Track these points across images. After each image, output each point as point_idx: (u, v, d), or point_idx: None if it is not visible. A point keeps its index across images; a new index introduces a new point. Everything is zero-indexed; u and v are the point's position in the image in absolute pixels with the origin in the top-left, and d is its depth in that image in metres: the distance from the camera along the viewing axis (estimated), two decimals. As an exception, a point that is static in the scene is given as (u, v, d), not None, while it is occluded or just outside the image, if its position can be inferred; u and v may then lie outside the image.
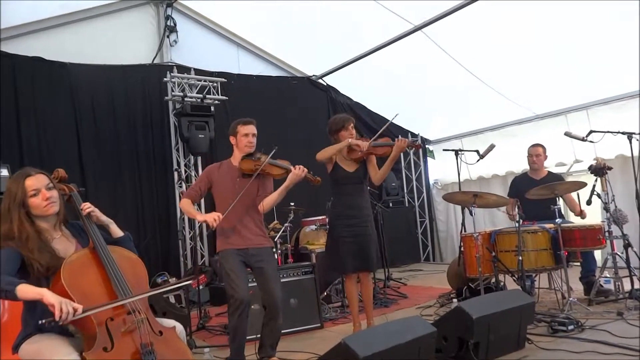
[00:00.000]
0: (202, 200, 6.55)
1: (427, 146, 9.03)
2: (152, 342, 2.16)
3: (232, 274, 3.33)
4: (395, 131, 8.61)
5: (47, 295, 2.01)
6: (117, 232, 2.56)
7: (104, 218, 2.52)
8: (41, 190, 2.31)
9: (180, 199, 6.52)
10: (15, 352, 2.26)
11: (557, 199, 4.33)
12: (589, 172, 4.56)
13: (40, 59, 5.96)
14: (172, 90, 6.64)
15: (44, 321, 1.99)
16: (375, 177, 4.03)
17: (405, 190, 8.97)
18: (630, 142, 4.38)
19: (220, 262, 3.51)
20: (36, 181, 2.32)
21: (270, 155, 3.44)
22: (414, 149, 3.75)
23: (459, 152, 5.22)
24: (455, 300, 4.69)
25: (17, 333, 2.32)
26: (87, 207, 2.46)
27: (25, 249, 2.20)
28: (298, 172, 3.38)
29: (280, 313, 3.44)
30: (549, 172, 5.20)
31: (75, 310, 2.01)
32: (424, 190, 9.04)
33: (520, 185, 5.07)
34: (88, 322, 2.12)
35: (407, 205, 8.94)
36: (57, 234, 2.39)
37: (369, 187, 4.24)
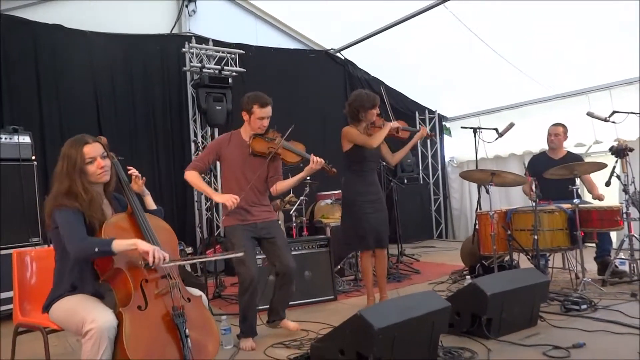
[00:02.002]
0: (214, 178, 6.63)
1: (443, 123, 8.96)
2: (182, 306, 2.26)
3: (242, 250, 3.27)
4: (412, 107, 8.58)
5: (140, 243, 2.22)
6: (151, 204, 2.66)
7: (144, 188, 2.64)
8: (97, 158, 2.40)
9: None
10: (46, 311, 2.36)
11: (576, 179, 4.29)
12: (609, 153, 4.52)
13: (60, 26, 5.97)
14: (190, 61, 6.63)
15: (143, 262, 2.21)
16: (392, 159, 4.21)
17: (420, 167, 8.95)
18: (653, 124, 4.30)
19: (228, 237, 3.48)
20: (93, 149, 2.40)
21: (284, 138, 3.41)
22: (429, 138, 3.98)
23: (478, 130, 5.18)
24: (468, 277, 4.73)
25: (44, 296, 2.41)
26: (133, 171, 2.59)
27: (89, 210, 2.31)
28: (315, 166, 3.34)
29: (294, 280, 3.51)
30: (568, 152, 5.16)
31: (164, 257, 2.22)
32: (439, 168, 9.01)
33: (538, 164, 5.04)
34: (125, 281, 2.23)
35: (421, 182, 8.93)
36: (104, 200, 2.50)
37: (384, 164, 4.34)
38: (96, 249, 2.19)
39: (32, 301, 2.61)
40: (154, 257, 2.17)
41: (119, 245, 2.20)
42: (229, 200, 3.25)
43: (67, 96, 6.00)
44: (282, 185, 3.54)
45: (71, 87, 6.04)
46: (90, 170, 2.38)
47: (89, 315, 2.11)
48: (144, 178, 2.64)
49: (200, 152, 6.56)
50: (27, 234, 4.57)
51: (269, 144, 3.41)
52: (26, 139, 4.71)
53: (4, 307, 4.27)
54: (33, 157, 4.72)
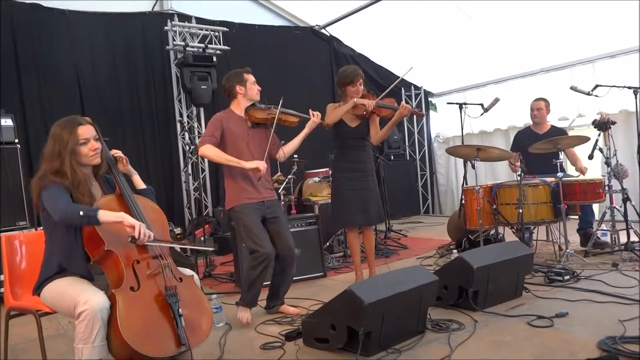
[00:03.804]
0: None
1: (429, 99, 8.99)
2: (175, 286, 2.28)
3: (255, 228, 3.32)
4: (399, 83, 8.56)
5: (126, 217, 2.23)
6: (140, 183, 2.66)
7: (130, 167, 2.62)
8: (90, 140, 2.39)
9: (184, 150, 6.58)
10: (37, 293, 2.36)
11: (560, 153, 4.36)
12: (591, 127, 4.58)
13: (39, 5, 5.83)
14: (174, 40, 6.53)
15: (129, 237, 2.20)
16: (374, 138, 4.05)
17: (407, 144, 8.99)
18: (636, 97, 4.36)
19: (237, 216, 3.40)
20: (87, 130, 2.39)
21: (280, 104, 3.43)
22: (415, 116, 3.80)
23: (463, 106, 5.21)
24: (455, 251, 4.81)
25: (34, 279, 2.41)
26: (117, 153, 2.57)
27: (76, 191, 2.30)
28: (316, 119, 3.51)
29: (296, 261, 3.54)
30: (552, 126, 5.22)
31: (150, 235, 2.24)
32: (425, 144, 9.06)
33: (523, 139, 5.10)
34: (116, 262, 2.24)
35: (408, 158, 8.98)
36: (93, 182, 2.48)
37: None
38: (81, 212, 2.16)
39: (23, 285, 2.61)
40: (139, 233, 2.18)
41: (104, 215, 2.19)
42: (260, 164, 3.28)
43: (48, 77, 5.90)
44: (288, 147, 3.57)
45: (52, 67, 5.93)
46: (83, 151, 2.37)
47: (81, 296, 2.11)
48: (124, 158, 2.61)
49: (185, 132, 6.55)
50: (14, 218, 4.54)
51: (268, 111, 3.44)
52: (8, 122, 4.63)
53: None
54: (16, 140, 4.66)
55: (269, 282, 3.59)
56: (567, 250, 4.27)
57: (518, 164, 4.38)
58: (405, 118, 8.78)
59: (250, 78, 3.48)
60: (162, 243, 2.39)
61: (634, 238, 4.28)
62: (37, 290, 2.36)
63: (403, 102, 3.89)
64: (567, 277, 3.74)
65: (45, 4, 5.87)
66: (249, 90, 3.46)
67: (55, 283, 2.30)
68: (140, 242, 2.22)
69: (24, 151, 5.07)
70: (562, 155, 4.39)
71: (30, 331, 3.02)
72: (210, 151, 3.32)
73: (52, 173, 2.29)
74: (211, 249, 2.87)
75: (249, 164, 3.29)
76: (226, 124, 3.41)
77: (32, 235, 2.81)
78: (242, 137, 3.41)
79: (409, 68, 4.06)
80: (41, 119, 5.76)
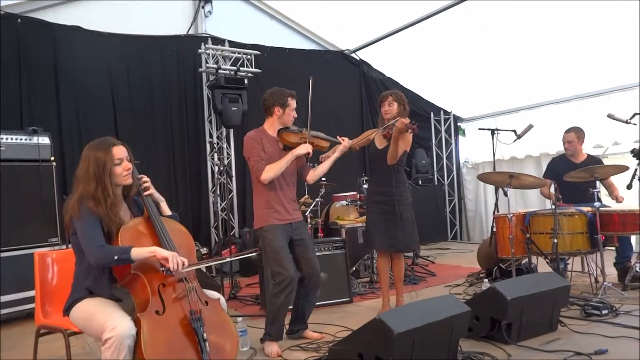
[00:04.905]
0: (228, 179, 6.68)
1: (458, 124, 8.91)
2: (200, 309, 2.26)
3: (282, 252, 3.30)
4: (428, 108, 8.54)
5: (158, 251, 2.25)
6: (166, 210, 2.65)
7: (157, 195, 2.61)
8: (123, 160, 2.42)
9: (213, 171, 6.64)
10: (66, 314, 2.37)
11: (596, 182, 4.23)
12: (629, 155, 4.44)
13: (79, 28, 6.03)
14: (207, 62, 6.66)
15: (163, 269, 2.24)
16: (387, 157, 3.85)
17: (435, 168, 8.89)
18: (676, 126, 4.22)
19: (264, 236, 3.37)
20: (121, 151, 2.43)
21: (309, 128, 3.43)
22: (411, 131, 3.65)
23: (495, 132, 5.13)
24: (485, 280, 4.69)
25: (64, 297, 2.43)
26: (145, 180, 2.56)
27: (109, 215, 2.31)
28: (346, 143, 3.50)
29: (320, 284, 3.51)
30: (589, 155, 5.07)
31: (183, 263, 2.25)
32: (454, 169, 8.95)
33: (558, 167, 4.96)
34: (142, 286, 2.24)
35: (436, 183, 8.88)
36: (123, 204, 2.50)
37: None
38: (115, 257, 2.20)
39: (54, 303, 2.63)
40: (173, 263, 2.19)
41: (137, 253, 2.22)
42: (308, 147, 3.35)
43: (84, 97, 6.06)
44: (318, 170, 3.57)
45: (89, 88, 6.09)
46: (117, 171, 2.39)
47: (109, 322, 2.11)
48: (150, 185, 2.58)
49: (215, 153, 6.61)
50: (46, 234, 4.62)
51: (299, 135, 3.44)
52: (45, 140, 4.76)
53: (24, 307, 4.33)
54: (52, 158, 4.77)
55: (291, 306, 3.54)
56: (605, 283, 4.10)
57: (552, 192, 4.25)
58: (434, 143, 8.77)
59: (292, 104, 3.49)
60: (197, 266, 2.40)
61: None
62: (67, 311, 2.37)
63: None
64: (605, 312, 3.57)
65: (85, 26, 6.06)
66: (287, 115, 3.46)
67: (85, 303, 2.31)
68: (176, 274, 2.23)
69: (59, 169, 5.20)
70: (598, 185, 4.25)
71: (58, 349, 3.03)
72: (272, 171, 3.31)
73: (88, 197, 2.31)
74: (254, 253, 2.83)
75: (299, 149, 3.36)
76: (263, 144, 3.41)
77: (63, 253, 2.84)
78: (275, 158, 3.40)
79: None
80: (77, 138, 5.90)
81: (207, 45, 6.67)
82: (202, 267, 2.44)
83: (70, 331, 2.41)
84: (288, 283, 3.25)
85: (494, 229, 4.77)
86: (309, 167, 3.59)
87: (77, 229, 2.28)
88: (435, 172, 8.89)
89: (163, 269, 2.24)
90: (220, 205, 6.72)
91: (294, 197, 3.53)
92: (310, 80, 3.44)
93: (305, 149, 3.36)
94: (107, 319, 2.14)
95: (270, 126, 3.50)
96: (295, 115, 3.51)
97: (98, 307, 2.26)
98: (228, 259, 3.15)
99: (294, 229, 3.46)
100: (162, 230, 2.41)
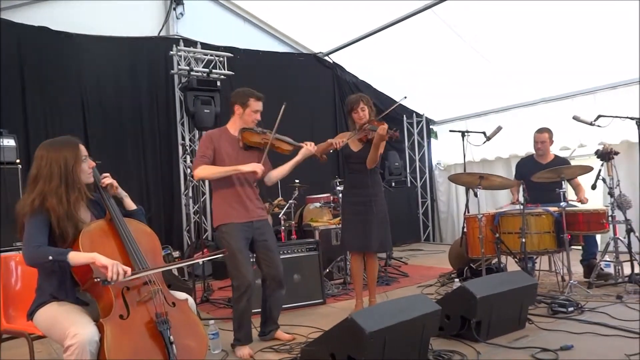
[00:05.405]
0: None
1: (430, 127, 9.03)
2: (166, 312, 2.22)
3: (240, 255, 3.26)
4: (401, 111, 8.63)
5: (98, 257, 2.12)
6: (130, 205, 2.60)
7: (121, 190, 2.56)
8: (87, 157, 2.38)
9: (185, 173, 6.58)
10: (30, 318, 2.31)
11: (563, 182, 4.34)
12: (594, 156, 4.57)
13: (46, 29, 5.90)
14: (178, 64, 6.59)
15: (98, 279, 2.10)
16: (367, 161, 3.91)
17: (408, 171, 8.99)
18: (638, 128, 4.36)
19: (222, 236, 3.34)
20: (84, 149, 2.39)
21: (275, 130, 3.40)
22: (393, 138, 3.73)
23: (466, 134, 5.22)
24: (456, 280, 4.75)
25: (28, 301, 2.36)
26: (107, 178, 2.50)
27: (66, 216, 2.23)
28: (310, 148, 3.42)
29: (285, 284, 3.50)
30: (556, 156, 5.20)
31: (125, 272, 2.12)
32: (427, 171, 9.06)
33: (526, 168, 5.09)
34: (105, 290, 2.17)
35: (409, 185, 8.97)
36: (82, 204, 2.42)
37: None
38: (50, 257, 2.09)
39: (18, 307, 2.56)
40: (112, 273, 2.08)
41: (76, 257, 2.12)
42: (257, 167, 3.26)
43: (52, 99, 5.93)
44: (275, 172, 3.52)
45: (57, 89, 5.97)
46: (83, 168, 2.35)
47: (71, 328, 2.05)
48: (114, 183, 2.53)
49: (187, 155, 6.55)
50: (11, 238, 4.49)
51: (262, 136, 3.40)
52: (11, 142, 4.65)
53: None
54: (17, 161, 4.65)
55: (259, 310, 3.55)
56: (571, 281, 4.21)
57: (520, 193, 4.35)
58: (407, 146, 8.87)
59: (255, 105, 3.41)
60: (144, 273, 2.25)
61: (637, 270, 4.22)
62: (31, 315, 2.30)
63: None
64: (571, 309, 3.67)
65: (53, 27, 5.93)
66: (247, 115, 3.42)
67: (48, 308, 2.25)
68: (116, 283, 2.11)
69: (25, 171, 5.05)
70: (565, 185, 4.37)
71: (22, 355, 2.94)
72: (205, 171, 3.30)
73: (51, 194, 2.23)
74: (221, 254, 2.74)
75: (246, 167, 3.27)
76: (217, 142, 3.38)
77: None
78: (232, 157, 3.37)
79: (403, 97, 4.11)
80: (44, 140, 5.75)
81: (179, 47, 6.60)
82: (151, 272, 2.32)
83: (35, 335, 2.35)
84: (246, 288, 3.24)
85: (465, 230, 4.85)
86: (268, 168, 3.52)
87: (26, 226, 2.21)
88: (408, 174, 8.98)
89: (98, 279, 2.12)
90: (193, 208, 6.66)
91: (256, 196, 3.48)
92: (283, 107, 3.39)
93: (252, 167, 3.27)
94: (69, 325, 2.08)
95: (232, 125, 3.49)
96: (258, 118, 3.45)
97: (62, 312, 2.20)
98: (191, 262, 3.07)
99: (256, 228, 3.41)
100: (125, 232, 2.35)
